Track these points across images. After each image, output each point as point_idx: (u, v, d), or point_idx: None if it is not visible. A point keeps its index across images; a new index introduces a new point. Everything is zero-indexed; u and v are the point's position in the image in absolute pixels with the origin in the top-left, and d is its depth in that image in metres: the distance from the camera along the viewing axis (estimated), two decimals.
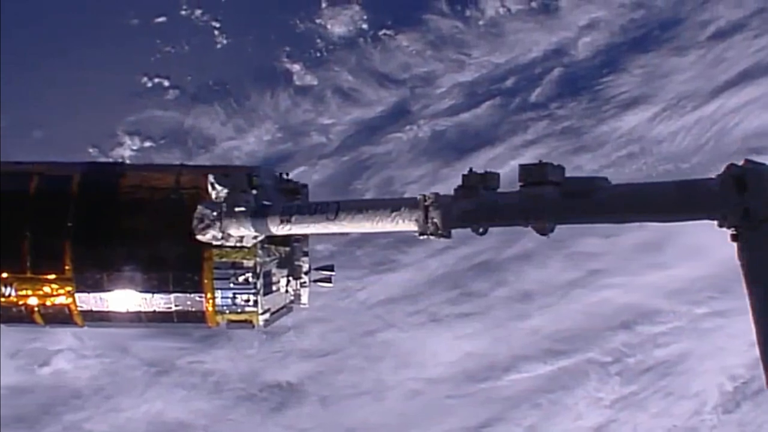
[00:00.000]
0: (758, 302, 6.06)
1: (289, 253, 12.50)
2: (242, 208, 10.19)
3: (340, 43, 37.91)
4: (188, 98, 37.73)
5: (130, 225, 11.75)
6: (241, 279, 11.68)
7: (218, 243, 10.52)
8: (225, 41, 38.15)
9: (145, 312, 12.14)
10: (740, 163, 6.25)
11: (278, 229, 9.74)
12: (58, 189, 12.06)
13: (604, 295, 36.69)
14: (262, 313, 12.48)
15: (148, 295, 11.96)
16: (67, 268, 11.75)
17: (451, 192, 8.23)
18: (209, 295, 11.95)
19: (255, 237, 10.45)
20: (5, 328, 13.27)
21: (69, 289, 11.80)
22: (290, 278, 12.87)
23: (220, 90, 37.94)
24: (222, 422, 37.69)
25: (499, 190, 8.20)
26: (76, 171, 12.31)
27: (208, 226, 10.31)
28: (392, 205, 8.72)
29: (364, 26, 37.96)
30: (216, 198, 10.36)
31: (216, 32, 38.08)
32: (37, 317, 12.12)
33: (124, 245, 11.62)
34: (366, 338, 37.28)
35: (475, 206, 7.98)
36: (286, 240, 12.38)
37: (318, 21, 37.92)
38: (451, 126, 37.89)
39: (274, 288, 12.62)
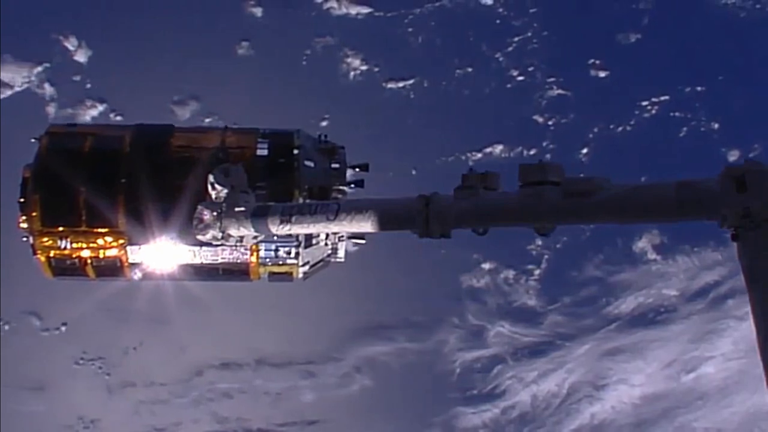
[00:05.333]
0: (758, 303, 6.14)
1: None
2: (242, 208, 10.30)
3: None
4: None
5: (179, 182, 12.17)
6: None
7: (218, 243, 10.71)
8: None
9: (192, 265, 12.74)
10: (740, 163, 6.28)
11: (278, 229, 9.89)
12: (110, 148, 12.62)
13: None
14: (302, 266, 13.01)
15: (196, 248, 12.48)
16: (120, 221, 12.36)
17: (451, 192, 8.31)
18: (254, 247, 12.46)
19: (255, 237, 10.59)
20: None
21: (121, 242, 12.42)
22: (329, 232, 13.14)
23: None
24: None
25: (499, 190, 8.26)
26: (127, 132, 12.88)
27: (208, 226, 10.43)
28: (392, 206, 8.85)
29: None
30: (216, 198, 10.53)
31: None
32: (90, 270, 12.77)
33: (173, 201, 12.06)
34: None
35: (475, 206, 8.07)
36: (326, 195, 12.80)
37: None
38: None
39: (313, 241, 13.07)
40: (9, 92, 40.89)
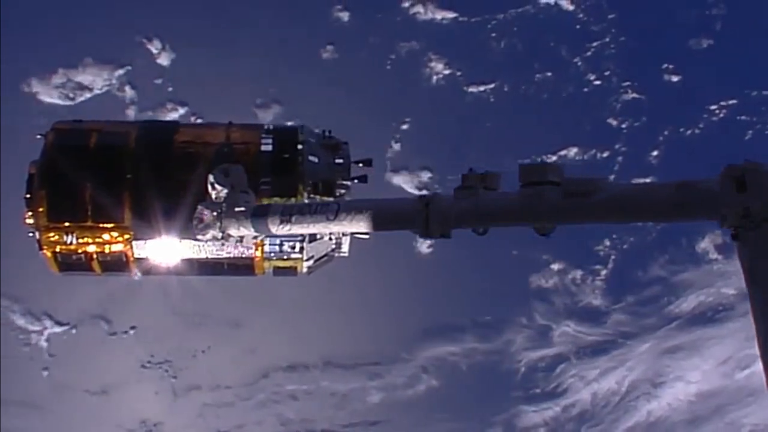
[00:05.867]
0: (758, 302, 6.18)
1: None
2: (242, 208, 10.31)
3: None
4: None
5: (184, 177, 12.14)
6: None
7: (219, 242, 10.85)
8: None
9: (197, 260, 12.74)
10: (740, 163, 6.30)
11: (278, 229, 9.92)
12: (116, 143, 12.60)
13: None
14: (307, 260, 13.03)
15: (202, 243, 12.45)
16: (126, 216, 12.34)
17: (451, 192, 8.30)
18: (259, 242, 12.40)
19: (255, 237, 10.63)
20: None
21: (127, 237, 12.43)
22: None
23: None
24: None
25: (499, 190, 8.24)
26: (132, 128, 12.95)
27: (208, 226, 10.45)
28: (392, 206, 8.87)
29: None
30: (216, 198, 10.54)
31: None
32: (95, 265, 12.76)
33: (179, 196, 12.01)
34: None
35: (475, 206, 8.05)
36: (330, 190, 12.81)
37: None
38: None
39: (318, 236, 13.00)
40: (88, 95, 41.27)
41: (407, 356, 41.78)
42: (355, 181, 13.27)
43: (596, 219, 7.57)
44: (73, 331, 40.74)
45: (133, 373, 40.91)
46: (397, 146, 41.80)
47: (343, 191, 13.00)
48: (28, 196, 12.41)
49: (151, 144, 12.65)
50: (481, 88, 41.81)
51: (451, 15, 41.77)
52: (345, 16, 41.90)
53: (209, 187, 10.57)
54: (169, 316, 40.47)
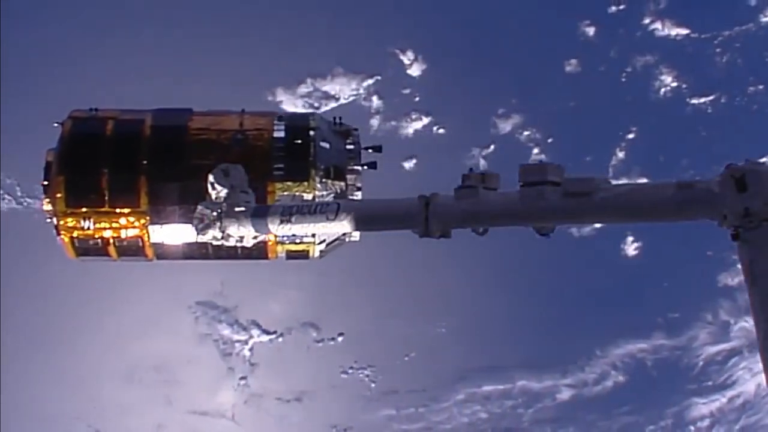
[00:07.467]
0: (758, 302, 6.19)
1: (344, 188, 13.00)
2: (242, 208, 10.36)
3: None
4: None
5: (199, 162, 12.17)
6: None
7: (219, 242, 10.81)
8: None
9: (211, 244, 12.44)
10: (740, 163, 6.33)
11: (278, 229, 9.98)
12: (132, 130, 12.79)
13: None
14: (319, 244, 13.11)
15: None
16: (142, 202, 12.47)
17: (451, 192, 8.29)
18: None
19: (255, 237, 10.65)
20: None
21: (143, 221, 12.54)
22: None
23: None
24: None
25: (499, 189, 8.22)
26: (147, 115, 13.06)
27: (208, 226, 10.51)
28: (392, 206, 8.84)
29: None
30: (216, 198, 10.60)
31: None
32: (112, 250, 12.89)
33: (194, 181, 11.93)
34: None
35: (475, 206, 8.05)
36: (341, 175, 12.97)
37: None
38: None
39: None
40: (334, 104, 42.26)
41: (600, 353, 43.45)
42: (365, 167, 13.46)
43: (596, 219, 7.83)
44: (279, 339, 41.97)
45: (333, 379, 42.08)
46: (621, 154, 43.60)
47: (353, 176, 13.24)
48: (45, 183, 12.71)
49: (166, 130, 12.92)
50: (702, 100, 43.96)
51: (684, 31, 44.16)
52: (591, 30, 43.83)
53: (209, 187, 10.73)
54: (381, 320, 41.62)
